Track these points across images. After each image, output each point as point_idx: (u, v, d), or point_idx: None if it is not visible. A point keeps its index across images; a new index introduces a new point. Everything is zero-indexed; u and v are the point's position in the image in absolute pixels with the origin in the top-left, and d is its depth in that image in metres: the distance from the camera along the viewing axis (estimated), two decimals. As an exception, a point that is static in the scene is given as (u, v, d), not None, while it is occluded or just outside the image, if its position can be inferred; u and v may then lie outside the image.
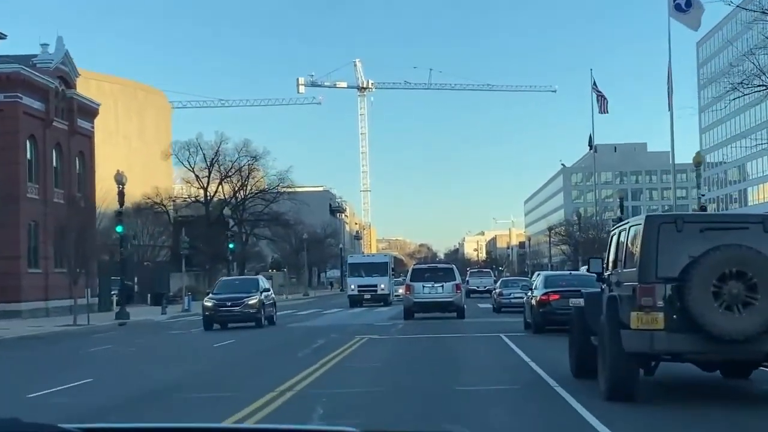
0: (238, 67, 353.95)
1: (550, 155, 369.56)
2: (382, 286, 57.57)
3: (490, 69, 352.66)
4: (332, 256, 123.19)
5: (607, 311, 13.74)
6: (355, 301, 56.41)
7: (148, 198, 78.48)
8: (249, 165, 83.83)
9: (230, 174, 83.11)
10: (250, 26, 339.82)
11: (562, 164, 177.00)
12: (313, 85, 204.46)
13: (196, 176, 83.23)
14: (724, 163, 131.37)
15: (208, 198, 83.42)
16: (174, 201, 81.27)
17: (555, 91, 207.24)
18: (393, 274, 67.97)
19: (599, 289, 15.54)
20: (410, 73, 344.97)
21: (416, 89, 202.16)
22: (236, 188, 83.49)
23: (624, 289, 13.26)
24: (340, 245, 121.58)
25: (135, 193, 79.44)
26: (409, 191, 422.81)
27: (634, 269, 12.85)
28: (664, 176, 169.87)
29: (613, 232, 15.55)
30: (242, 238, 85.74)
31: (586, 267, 19.70)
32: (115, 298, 53.08)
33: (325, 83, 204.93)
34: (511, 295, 43.12)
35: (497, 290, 47.11)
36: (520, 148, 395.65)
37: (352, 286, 58.36)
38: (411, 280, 38.19)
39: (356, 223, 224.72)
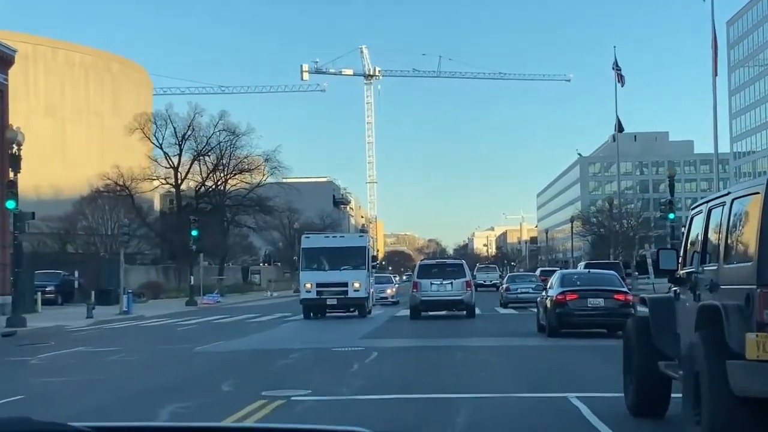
0: (239, 53, 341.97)
1: (564, 147, 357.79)
2: (356, 284, 37.30)
3: (503, 57, 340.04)
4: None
5: (700, 330, 9.05)
6: (313, 308, 37.59)
7: (108, 179, 67.39)
8: (228, 141, 72.02)
9: (205, 152, 71.48)
10: (252, 10, 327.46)
11: (579, 154, 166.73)
12: (318, 72, 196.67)
13: (165, 154, 71.83)
14: (753, 152, 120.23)
15: (179, 180, 72.00)
16: (138, 182, 68.86)
17: (569, 81, 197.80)
18: (374, 267, 48.92)
19: (671, 294, 11.11)
20: (419, 60, 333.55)
21: (425, 77, 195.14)
22: (211, 169, 71.99)
23: (727, 296, 8.62)
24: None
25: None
26: (417, 184, 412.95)
27: (749, 264, 8.24)
28: (687, 168, 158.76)
29: (695, 212, 10.47)
30: (224, 227, 74.66)
31: (583, 264, 19.17)
32: (54, 296, 42.58)
33: (331, 70, 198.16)
34: (518, 290, 45.81)
35: (504, 286, 48.45)
36: (532, 140, 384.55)
37: (308, 285, 37.38)
38: (418, 277, 36.34)
39: (362, 216, 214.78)
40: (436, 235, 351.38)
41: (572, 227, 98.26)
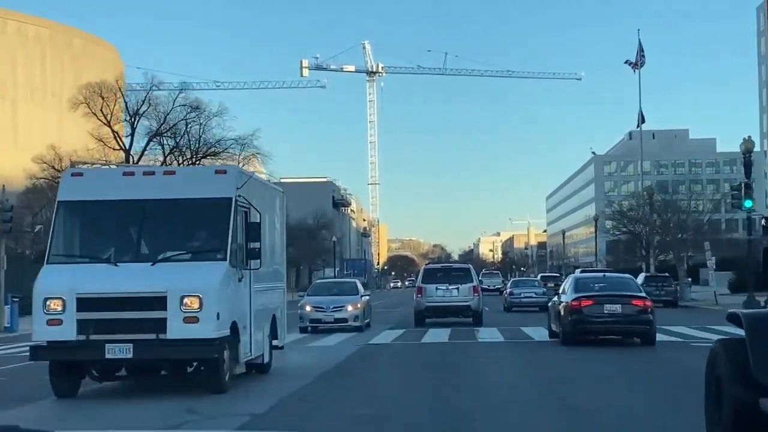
0: (235, 47, 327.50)
1: (573, 148, 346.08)
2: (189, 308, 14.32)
3: (511, 54, 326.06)
4: (326, 250, 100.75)
5: None
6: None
7: (43, 162, 55.67)
8: (193, 121, 59.74)
9: (163, 132, 59.18)
10: (250, 1, 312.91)
11: (593, 152, 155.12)
12: (318, 68, 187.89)
13: (115, 134, 59.75)
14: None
15: (132, 164, 59.86)
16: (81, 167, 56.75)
17: (580, 79, 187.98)
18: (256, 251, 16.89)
19: None
20: (424, 57, 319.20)
21: (430, 74, 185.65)
22: (167, 152, 59.64)
23: None
24: (333, 238, 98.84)
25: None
26: (421, 186, 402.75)
27: None
28: (708, 168, 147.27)
29: None
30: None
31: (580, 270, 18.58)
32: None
33: (331, 66, 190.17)
34: (521, 295, 46.68)
35: (508, 290, 49.59)
36: (541, 141, 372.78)
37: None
38: (423, 282, 34.58)
39: (364, 220, 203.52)
40: (442, 241, 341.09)
41: (596, 226, 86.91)
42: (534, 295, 46.06)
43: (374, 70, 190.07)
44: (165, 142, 60.11)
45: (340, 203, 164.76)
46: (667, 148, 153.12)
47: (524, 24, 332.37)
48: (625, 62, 79.48)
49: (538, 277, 65.11)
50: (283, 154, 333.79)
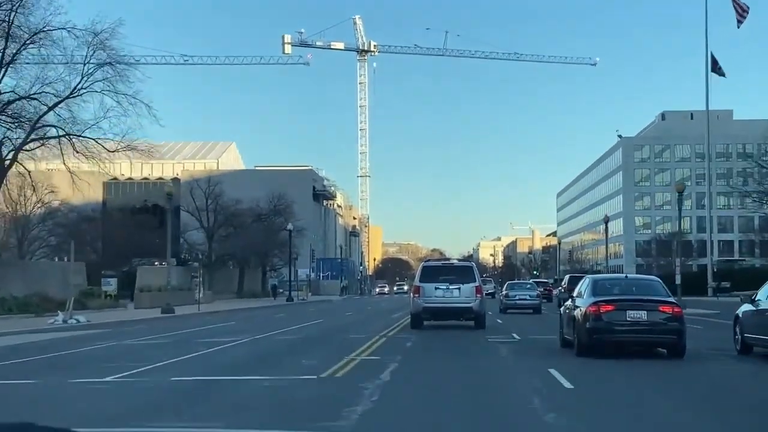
0: (205, 18, 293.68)
1: (584, 144, 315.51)
2: None
3: (519, 35, 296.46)
4: (282, 244, 74.86)
5: None
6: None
7: None
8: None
9: None
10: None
11: (619, 135, 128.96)
12: (303, 44, 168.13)
13: None
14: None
15: None
16: None
17: (595, 65, 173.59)
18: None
19: None
20: (422, 35, 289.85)
21: (428, 55, 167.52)
22: None
23: None
24: (289, 225, 72.26)
25: None
26: (417, 186, 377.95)
27: None
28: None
29: None
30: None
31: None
32: None
33: (317, 43, 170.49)
34: (516, 297, 48.96)
35: (504, 292, 51.69)
36: (550, 133, 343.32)
37: None
38: (421, 281, 31.62)
39: (354, 218, 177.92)
40: (441, 245, 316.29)
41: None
42: (528, 298, 49.01)
43: (366, 48, 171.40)
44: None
45: (321, 195, 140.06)
46: (711, 132, 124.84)
47: (533, 2, 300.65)
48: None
49: (531, 281, 70.57)
50: (261, 142, 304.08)
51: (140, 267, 63.27)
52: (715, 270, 66.50)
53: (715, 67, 64.62)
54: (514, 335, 27.49)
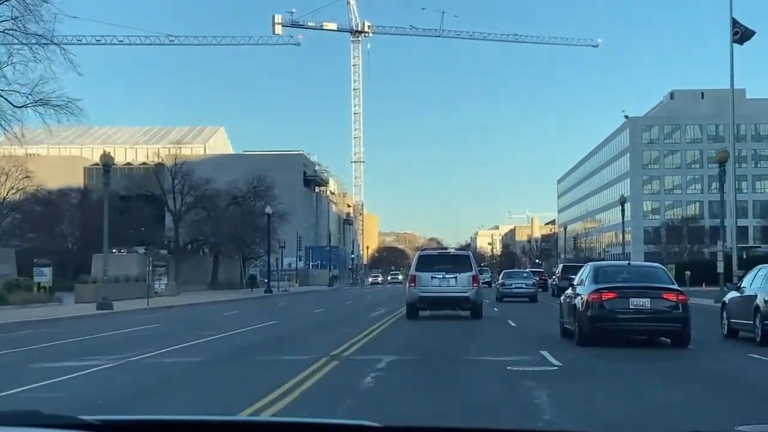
0: None
1: (587, 127, 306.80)
2: None
3: (518, 15, 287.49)
4: (264, 230, 67.79)
5: None
6: None
7: None
8: None
9: None
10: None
11: (626, 115, 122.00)
12: (294, 25, 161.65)
13: None
14: None
15: None
16: None
17: (597, 47, 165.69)
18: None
19: None
20: (418, 15, 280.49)
21: (424, 36, 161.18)
22: None
23: None
24: (268, 209, 65.09)
25: None
26: (414, 173, 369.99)
27: None
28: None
29: None
30: None
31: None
32: None
33: (309, 23, 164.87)
34: (512, 285, 50.02)
35: (500, 281, 53.16)
36: (550, 117, 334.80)
37: None
38: (417, 270, 31.51)
39: (348, 206, 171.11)
40: (438, 235, 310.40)
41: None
42: (524, 286, 50.04)
43: (359, 29, 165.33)
44: None
45: (313, 181, 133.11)
46: (721, 111, 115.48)
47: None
48: None
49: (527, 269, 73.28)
50: (251, 128, 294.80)
51: (95, 255, 55.79)
52: (744, 257, 59.55)
53: (738, 36, 56.95)
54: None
